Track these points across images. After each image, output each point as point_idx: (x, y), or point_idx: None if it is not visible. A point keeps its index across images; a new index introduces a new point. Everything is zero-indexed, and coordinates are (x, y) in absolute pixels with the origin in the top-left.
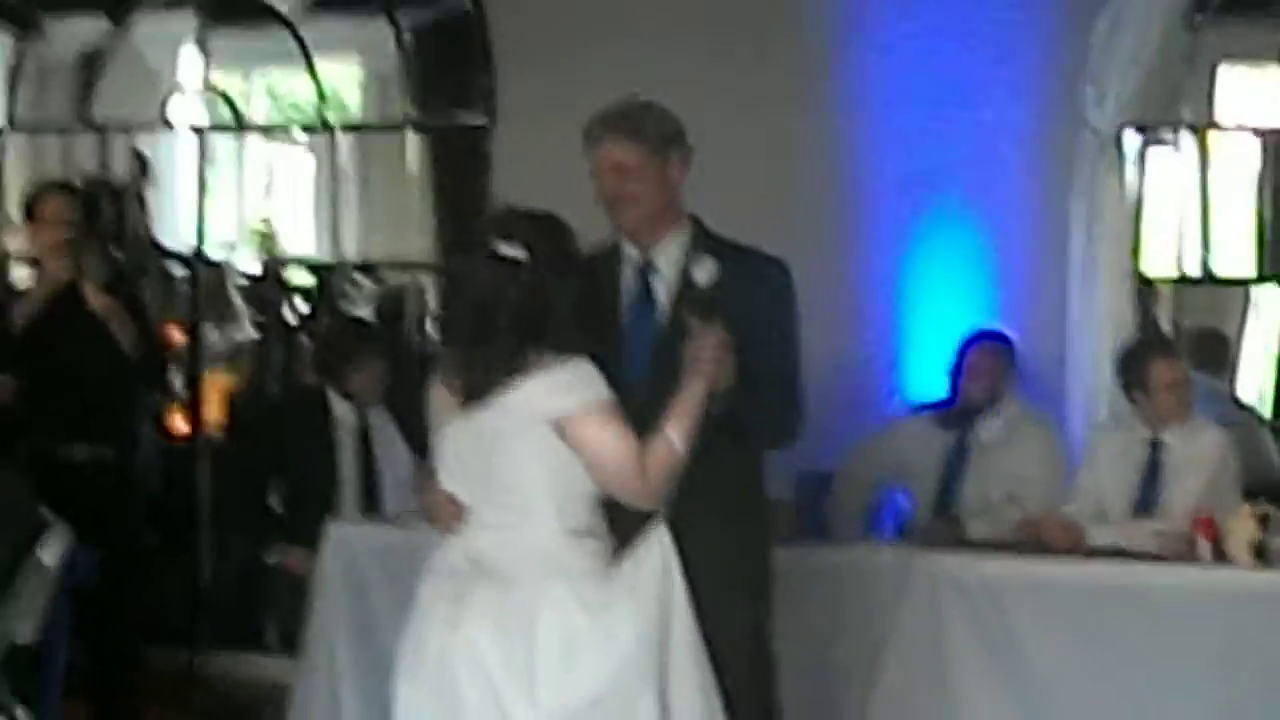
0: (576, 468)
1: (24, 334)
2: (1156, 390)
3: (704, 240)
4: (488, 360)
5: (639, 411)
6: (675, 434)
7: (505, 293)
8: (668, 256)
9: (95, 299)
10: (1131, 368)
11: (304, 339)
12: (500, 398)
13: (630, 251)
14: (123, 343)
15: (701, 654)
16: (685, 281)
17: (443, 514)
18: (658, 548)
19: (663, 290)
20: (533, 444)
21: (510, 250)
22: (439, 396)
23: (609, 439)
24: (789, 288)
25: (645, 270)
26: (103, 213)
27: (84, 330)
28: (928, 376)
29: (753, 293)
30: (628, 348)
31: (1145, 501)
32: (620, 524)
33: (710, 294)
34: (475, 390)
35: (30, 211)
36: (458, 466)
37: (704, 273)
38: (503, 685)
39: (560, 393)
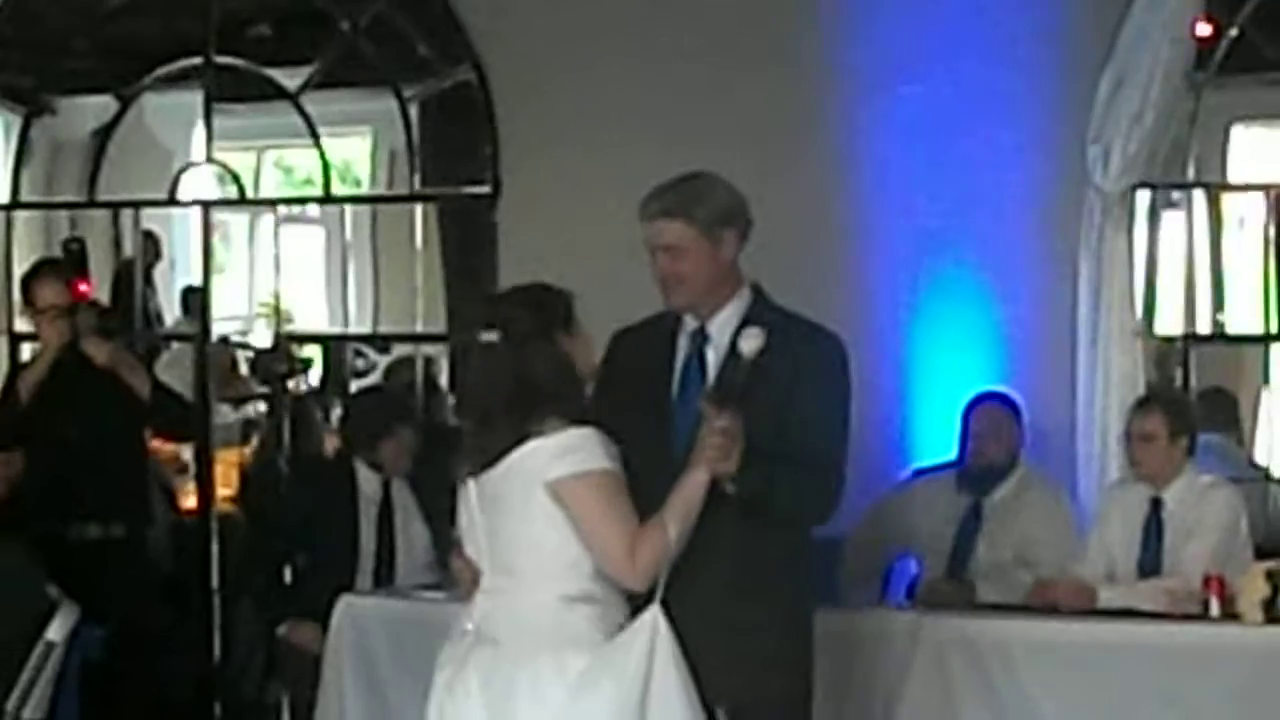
0: (576, 533)
1: (32, 406)
2: (1131, 441)
3: (761, 309)
4: (487, 441)
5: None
6: (670, 521)
7: (491, 378)
8: (721, 326)
9: (98, 351)
10: (1127, 419)
11: (314, 412)
12: (504, 462)
13: (689, 320)
14: (136, 387)
15: None
16: (731, 351)
17: (462, 580)
18: (648, 630)
19: (714, 359)
20: (529, 507)
21: (489, 336)
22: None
23: (600, 511)
24: (839, 362)
25: (698, 338)
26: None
27: (90, 394)
28: (935, 439)
29: (798, 366)
30: (678, 415)
31: (1148, 560)
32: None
33: (753, 365)
34: (477, 458)
35: (25, 293)
36: (471, 532)
37: (749, 344)
38: None
39: (556, 456)
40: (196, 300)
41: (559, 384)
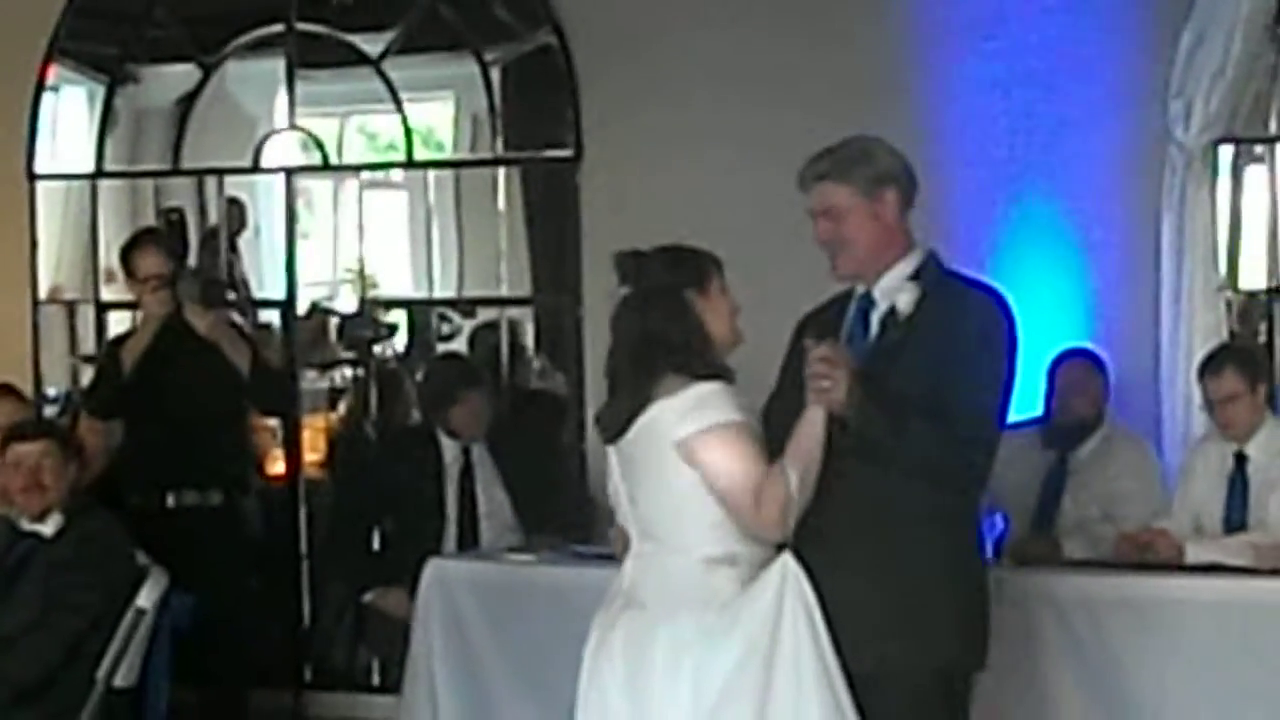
0: (708, 489)
1: (133, 376)
2: (1213, 405)
3: (929, 271)
4: (617, 404)
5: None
6: (789, 464)
7: (619, 334)
8: (885, 288)
9: (201, 321)
10: (1200, 384)
11: (401, 377)
12: (634, 426)
13: (859, 285)
14: (236, 361)
15: (819, 684)
16: (889, 310)
17: (617, 544)
18: (777, 576)
19: (877, 321)
20: (664, 470)
21: (621, 290)
22: None
23: (727, 463)
24: (997, 322)
25: (864, 301)
26: (200, 244)
27: (192, 365)
28: (1019, 396)
29: (955, 324)
30: None
31: (1234, 514)
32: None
33: (908, 323)
34: (610, 424)
35: (126, 263)
36: (617, 498)
37: (904, 300)
38: (617, 710)
39: (683, 415)
40: None
41: (681, 340)
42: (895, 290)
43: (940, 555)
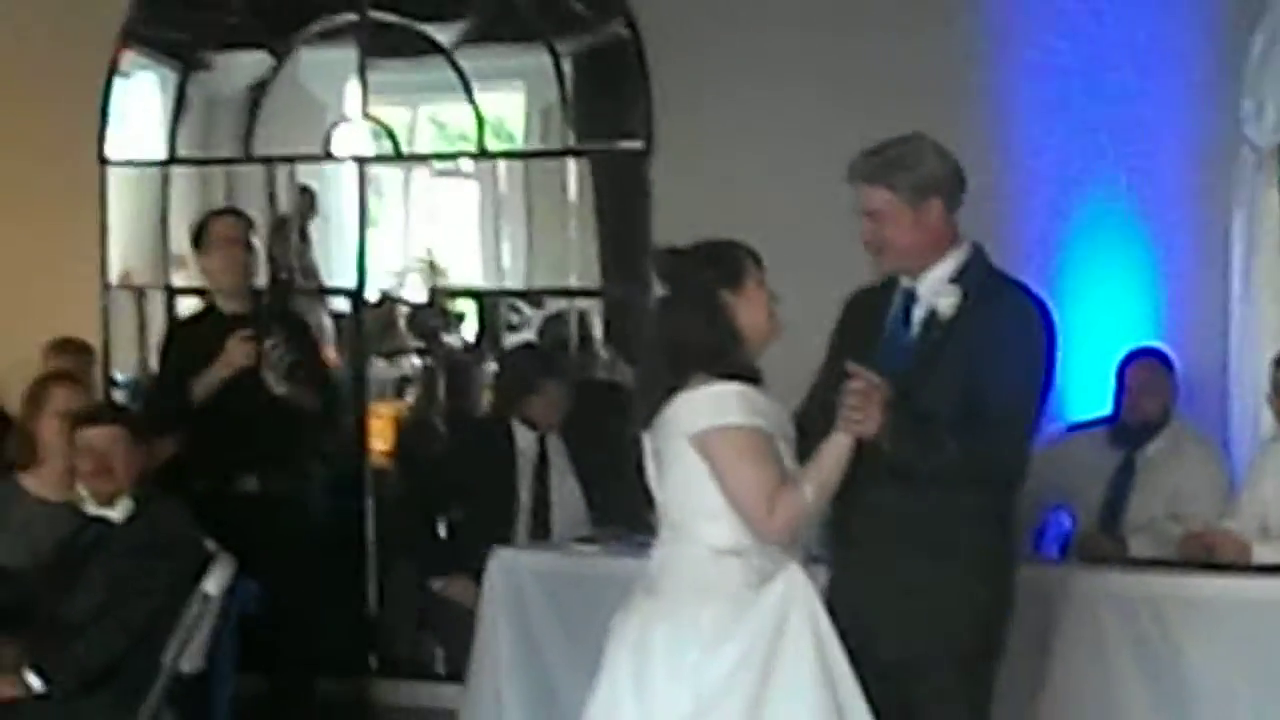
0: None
1: (198, 404)
2: (1273, 395)
3: (972, 270)
4: (648, 396)
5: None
6: (808, 482)
7: (653, 332)
8: (929, 286)
9: (278, 385)
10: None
11: (468, 367)
12: (659, 416)
13: (904, 279)
14: (308, 409)
15: (817, 693)
16: (930, 311)
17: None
18: (783, 584)
19: (919, 318)
20: (681, 461)
21: (659, 288)
22: None
23: (737, 465)
24: (1031, 324)
25: (908, 297)
26: (271, 232)
27: (262, 405)
28: (1087, 395)
29: (992, 327)
30: (883, 372)
31: None
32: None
33: (949, 325)
34: (640, 417)
35: (199, 237)
36: (650, 484)
37: (945, 304)
38: (623, 697)
39: (698, 411)
40: None
41: (712, 343)
42: (937, 293)
43: (971, 553)
